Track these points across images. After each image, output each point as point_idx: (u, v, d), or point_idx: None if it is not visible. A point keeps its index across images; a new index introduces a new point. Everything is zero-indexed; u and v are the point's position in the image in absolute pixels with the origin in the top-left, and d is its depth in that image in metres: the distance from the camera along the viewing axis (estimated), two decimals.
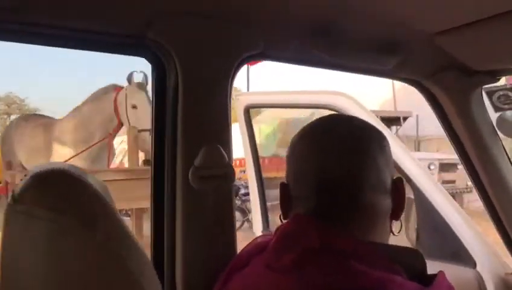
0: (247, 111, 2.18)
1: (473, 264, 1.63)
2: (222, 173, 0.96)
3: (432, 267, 1.65)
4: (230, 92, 1.00)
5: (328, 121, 0.75)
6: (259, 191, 2.12)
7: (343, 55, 1.06)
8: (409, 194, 1.85)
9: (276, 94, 2.36)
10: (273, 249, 0.68)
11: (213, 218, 0.97)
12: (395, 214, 0.70)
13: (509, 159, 1.40)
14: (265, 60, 1.05)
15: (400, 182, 0.70)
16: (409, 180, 1.76)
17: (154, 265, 1.02)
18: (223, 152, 0.95)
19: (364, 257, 0.62)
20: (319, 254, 0.62)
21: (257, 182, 2.13)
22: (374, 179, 0.67)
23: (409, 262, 0.65)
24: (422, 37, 1.05)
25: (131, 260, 0.50)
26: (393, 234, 0.71)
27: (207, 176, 0.95)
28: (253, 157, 2.14)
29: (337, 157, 0.68)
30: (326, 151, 0.69)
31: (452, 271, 1.63)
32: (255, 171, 2.15)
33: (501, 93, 1.27)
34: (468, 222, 1.71)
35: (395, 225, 0.72)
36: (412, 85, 1.28)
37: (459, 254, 1.67)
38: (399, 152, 1.77)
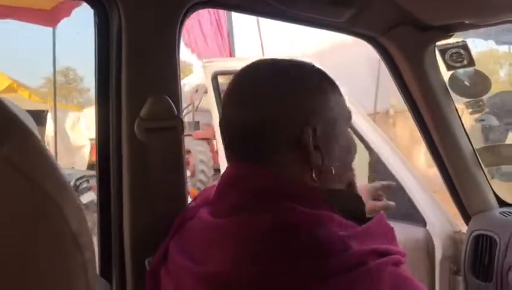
0: (215, 78, 2.24)
1: (423, 223, 1.68)
2: (170, 125, 0.92)
3: None
4: (179, 41, 0.95)
5: (248, 67, 0.72)
6: None
7: (297, 5, 1.03)
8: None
9: (245, 60, 2.36)
10: (215, 197, 0.70)
11: (162, 172, 0.94)
12: (310, 163, 0.68)
13: (459, 117, 1.43)
14: (215, 7, 1.02)
15: (305, 134, 0.66)
16: (364, 142, 1.79)
17: (101, 222, 0.99)
18: (171, 103, 0.91)
19: (304, 198, 0.63)
20: (259, 197, 0.64)
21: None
22: (273, 128, 0.66)
23: (348, 205, 0.67)
24: None
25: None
26: (316, 180, 0.68)
27: (154, 128, 0.91)
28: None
29: (252, 104, 0.68)
30: (239, 99, 0.69)
31: (404, 230, 1.68)
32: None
33: (453, 51, 1.28)
34: (420, 183, 1.75)
35: (322, 177, 0.69)
36: (367, 41, 1.26)
37: (411, 213, 1.72)
38: (357, 119, 1.79)
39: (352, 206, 0.68)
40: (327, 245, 0.58)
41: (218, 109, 2.29)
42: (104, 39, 0.93)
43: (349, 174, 0.74)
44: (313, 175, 0.66)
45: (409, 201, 1.73)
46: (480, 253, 1.48)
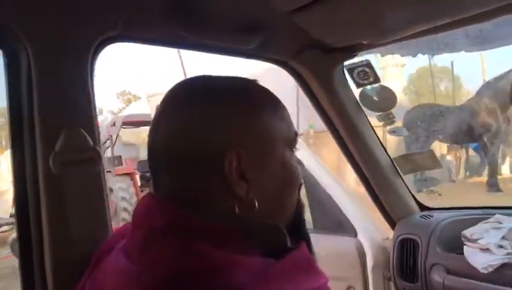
0: None
1: (354, 233, 1.76)
2: (87, 157, 0.93)
3: (318, 239, 1.75)
4: (92, 75, 0.97)
5: (171, 89, 0.67)
6: None
7: (207, 34, 1.07)
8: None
9: None
10: (130, 233, 0.64)
11: (82, 206, 0.94)
12: (233, 194, 0.60)
13: (374, 131, 1.54)
14: (126, 41, 1.04)
15: (224, 159, 0.59)
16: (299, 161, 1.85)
17: (23, 263, 0.97)
18: (86, 136, 0.93)
19: (210, 235, 0.57)
20: (163, 234, 0.58)
21: None
22: (188, 153, 0.60)
23: (267, 237, 0.61)
24: (279, 16, 1.10)
25: None
26: (239, 215, 0.61)
27: (70, 161, 0.91)
28: None
29: (161, 127, 0.63)
30: (156, 119, 0.64)
31: (336, 241, 1.75)
32: None
33: (360, 69, 1.39)
34: (350, 195, 1.84)
35: (245, 207, 0.61)
36: (280, 66, 1.34)
37: (342, 225, 1.79)
38: None
39: (272, 240, 0.61)
40: None
41: None
42: (14, 78, 0.94)
43: (287, 210, 0.67)
44: (236, 208, 0.59)
45: (340, 213, 1.80)
46: (405, 256, 1.57)
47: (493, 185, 7.93)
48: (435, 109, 8.40)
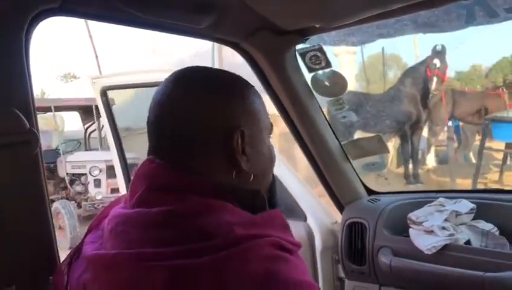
0: (105, 93, 2.28)
1: (304, 217, 1.77)
2: (21, 139, 0.87)
3: None
4: (27, 51, 0.90)
5: (179, 72, 0.76)
6: (122, 167, 2.32)
7: (156, 12, 1.03)
8: None
9: (131, 75, 2.49)
10: (129, 192, 0.73)
11: (16, 192, 0.88)
12: (234, 165, 0.71)
13: (324, 116, 1.54)
14: (65, 15, 0.97)
15: (232, 135, 0.70)
16: None
17: None
18: (21, 117, 0.86)
19: (200, 190, 0.67)
20: (162, 191, 0.68)
21: (120, 159, 2.33)
22: (198, 127, 0.70)
23: (249, 200, 0.70)
24: None
25: None
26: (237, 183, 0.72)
27: (2, 145, 0.84)
28: (113, 134, 2.32)
29: (168, 106, 0.72)
30: (161, 99, 0.73)
31: None
32: (117, 149, 2.33)
33: (312, 54, 1.38)
34: (299, 179, 1.85)
35: (242, 176, 0.72)
36: (231, 47, 1.31)
37: (293, 209, 1.80)
38: None
39: (253, 201, 0.71)
40: (212, 229, 0.62)
41: (109, 121, 2.34)
42: None
43: (266, 181, 0.79)
44: (233, 176, 0.70)
45: (290, 198, 1.81)
46: (354, 239, 1.60)
47: (412, 176, 7.50)
48: (359, 96, 7.86)
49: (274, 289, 0.58)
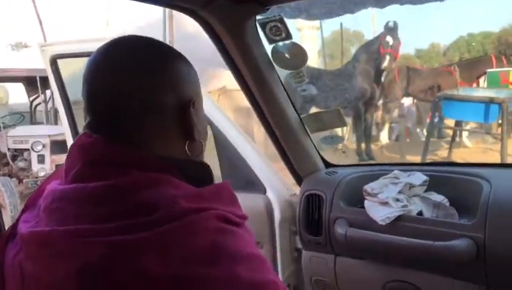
0: (55, 62, 2.14)
1: (263, 190, 1.78)
2: None
3: None
4: None
5: (108, 42, 0.70)
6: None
7: None
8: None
9: (84, 43, 2.32)
10: (64, 169, 0.69)
11: None
12: (187, 136, 0.70)
13: (284, 88, 1.53)
14: None
15: (188, 105, 0.69)
16: (210, 122, 1.81)
17: None
18: None
19: (146, 167, 0.64)
20: (101, 166, 0.64)
21: (72, 133, 2.24)
22: (147, 98, 0.66)
23: (196, 174, 0.69)
24: None
25: None
26: (190, 154, 0.71)
27: None
28: (64, 107, 2.22)
29: (108, 77, 0.66)
30: (98, 71, 0.68)
31: (246, 198, 1.75)
32: (69, 123, 2.23)
33: (272, 24, 1.36)
34: (259, 153, 1.85)
35: (194, 147, 0.72)
36: (188, 14, 1.26)
37: (252, 182, 1.80)
38: None
39: (200, 174, 0.70)
40: (155, 201, 0.59)
41: (60, 92, 2.23)
42: None
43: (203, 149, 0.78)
44: (186, 147, 0.69)
45: (250, 171, 1.81)
46: (311, 211, 1.62)
47: (364, 152, 7.58)
48: (313, 71, 7.64)
49: (221, 262, 0.57)
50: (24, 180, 6.52)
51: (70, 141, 2.26)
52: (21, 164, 6.77)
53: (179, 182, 0.64)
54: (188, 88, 0.70)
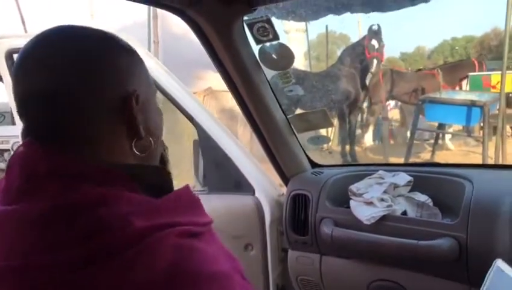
0: (11, 56, 1.94)
1: (252, 191, 1.78)
2: None
3: (217, 199, 1.74)
4: None
5: (37, 36, 0.63)
6: None
7: None
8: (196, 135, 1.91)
9: None
10: (5, 180, 0.61)
11: None
12: (133, 133, 0.64)
13: (271, 88, 1.54)
14: None
15: (129, 100, 0.62)
16: (192, 119, 1.80)
17: None
18: None
19: (93, 177, 0.58)
20: (44, 181, 0.57)
21: None
22: (83, 96, 0.60)
23: (152, 181, 0.64)
24: None
25: None
26: (138, 154, 0.65)
27: None
28: None
29: (37, 76, 0.59)
30: (27, 69, 0.60)
31: (235, 200, 1.76)
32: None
33: (259, 25, 1.36)
34: (247, 155, 1.85)
35: (142, 145, 0.65)
36: (176, 14, 1.26)
37: (240, 184, 1.80)
38: (183, 96, 1.78)
39: (157, 181, 0.65)
40: (107, 224, 0.54)
41: None
42: None
43: (160, 149, 0.72)
44: (133, 147, 0.63)
45: (238, 172, 1.81)
46: (297, 211, 1.63)
47: (349, 154, 7.59)
48: (298, 73, 7.52)
49: (185, 287, 0.52)
50: None
51: None
52: (1, 165, 6.65)
53: (131, 196, 0.58)
54: (129, 81, 0.63)
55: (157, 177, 0.66)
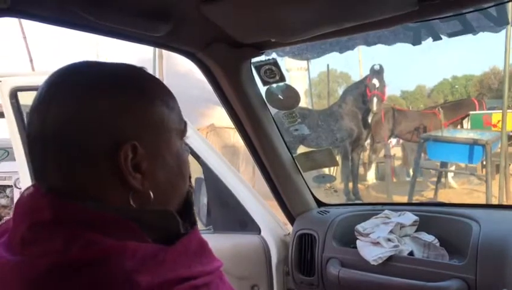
0: (15, 94, 1.97)
1: (258, 230, 1.77)
2: None
3: (223, 239, 1.74)
4: None
5: (52, 73, 0.62)
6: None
7: (110, 18, 1.01)
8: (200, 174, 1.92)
9: (45, 75, 2.18)
10: (12, 226, 0.60)
11: None
12: (128, 186, 0.60)
13: (278, 128, 1.57)
14: (16, 16, 0.93)
15: (119, 148, 0.58)
16: (198, 158, 1.81)
17: None
18: None
19: (99, 225, 0.56)
20: (50, 227, 0.56)
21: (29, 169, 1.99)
22: (83, 140, 0.57)
23: (161, 224, 0.61)
24: (190, 6, 1.07)
25: None
26: (134, 206, 0.60)
27: None
28: (24, 143, 2.00)
29: (41, 116, 0.58)
30: (33, 111, 0.59)
31: (241, 239, 1.75)
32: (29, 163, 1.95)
33: (267, 67, 1.41)
34: (252, 193, 1.85)
35: (140, 197, 0.61)
36: (188, 57, 1.31)
37: (246, 223, 1.79)
38: (188, 134, 1.80)
39: (166, 227, 0.61)
40: (107, 285, 0.51)
41: (20, 131, 1.98)
42: None
43: (179, 196, 0.67)
44: (130, 200, 0.59)
45: (243, 210, 1.81)
46: (303, 250, 1.62)
47: (352, 193, 7.57)
48: (302, 111, 7.65)
49: None
50: (5, 218, 6.37)
51: (27, 181, 1.99)
52: (3, 201, 6.63)
53: (137, 247, 0.55)
54: (125, 127, 0.58)
55: (163, 221, 0.62)
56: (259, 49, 1.32)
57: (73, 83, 0.59)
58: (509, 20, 1.33)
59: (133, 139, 0.58)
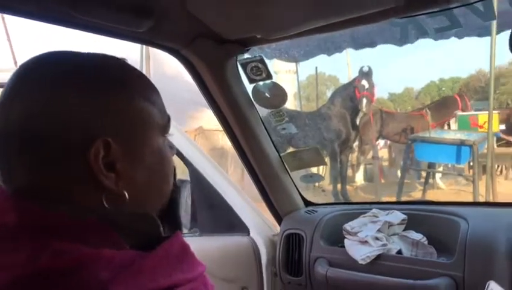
0: None
1: (247, 231, 1.75)
2: None
3: (210, 241, 1.71)
4: None
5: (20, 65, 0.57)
6: None
7: (91, 13, 0.98)
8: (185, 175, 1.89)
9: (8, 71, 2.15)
10: None
11: None
12: (101, 185, 0.55)
13: (264, 126, 1.55)
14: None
15: (89, 145, 0.53)
16: (183, 158, 1.78)
17: None
18: None
19: (69, 231, 0.51)
20: (15, 232, 0.51)
21: None
22: (53, 136, 0.53)
23: (139, 227, 0.57)
24: (173, 1, 1.05)
25: None
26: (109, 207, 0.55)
27: None
28: None
29: (17, 115, 0.53)
30: (3, 100, 0.55)
31: (230, 241, 1.73)
32: None
33: (253, 64, 1.39)
34: (240, 194, 1.83)
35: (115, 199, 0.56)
36: (171, 53, 1.28)
37: (234, 224, 1.77)
38: (174, 134, 1.77)
39: (145, 231, 0.57)
40: None
41: None
42: None
43: (161, 196, 0.63)
44: (104, 201, 0.54)
45: (231, 212, 1.78)
46: (291, 250, 1.60)
47: (340, 194, 7.51)
48: (290, 113, 7.51)
49: None
50: None
51: None
52: None
53: (112, 255, 0.50)
54: (97, 122, 0.54)
55: (142, 225, 0.58)
56: (244, 45, 1.30)
57: (41, 76, 0.55)
58: (496, 15, 1.33)
59: (107, 135, 0.53)
